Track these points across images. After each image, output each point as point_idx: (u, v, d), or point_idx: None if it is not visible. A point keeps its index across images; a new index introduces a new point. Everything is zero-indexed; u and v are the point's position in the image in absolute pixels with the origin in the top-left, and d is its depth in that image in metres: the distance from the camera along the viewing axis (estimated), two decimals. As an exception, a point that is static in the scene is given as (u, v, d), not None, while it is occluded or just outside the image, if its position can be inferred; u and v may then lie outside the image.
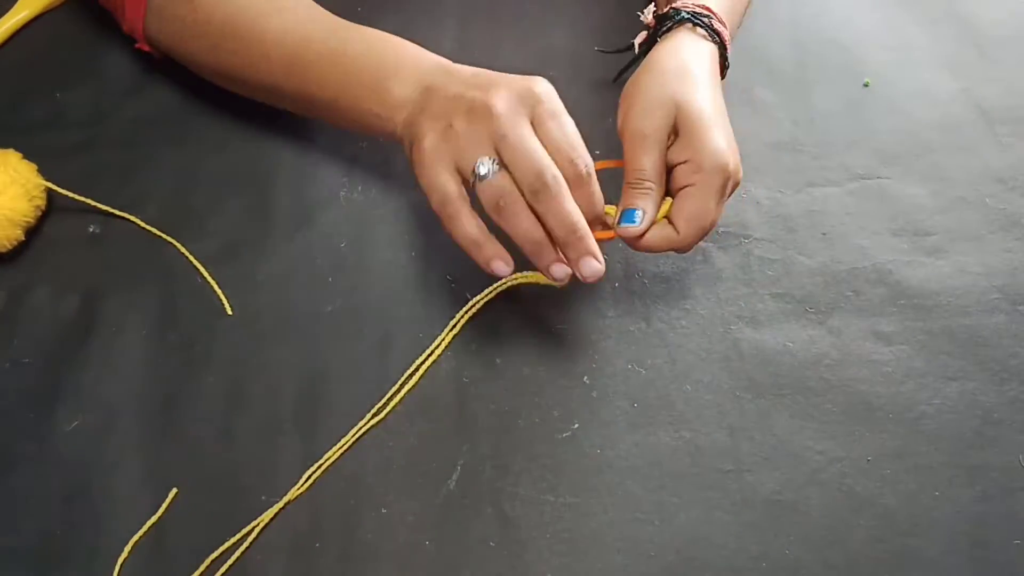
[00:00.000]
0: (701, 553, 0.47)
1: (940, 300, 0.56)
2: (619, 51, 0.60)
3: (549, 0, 0.69)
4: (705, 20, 0.52)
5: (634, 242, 0.49)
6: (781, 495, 0.49)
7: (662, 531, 0.48)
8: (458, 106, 0.47)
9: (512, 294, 0.54)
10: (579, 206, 0.46)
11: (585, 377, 0.52)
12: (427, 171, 0.47)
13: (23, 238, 0.55)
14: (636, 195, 0.48)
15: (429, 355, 0.52)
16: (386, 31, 0.53)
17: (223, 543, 0.46)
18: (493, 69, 0.49)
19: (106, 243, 0.56)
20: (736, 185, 0.50)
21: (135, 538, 0.47)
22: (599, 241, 0.47)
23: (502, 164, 0.46)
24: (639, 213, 0.48)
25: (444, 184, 0.46)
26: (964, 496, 0.49)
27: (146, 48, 0.60)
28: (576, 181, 0.46)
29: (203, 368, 0.52)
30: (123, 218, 0.57)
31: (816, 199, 0.60)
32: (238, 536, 0.47)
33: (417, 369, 0.52)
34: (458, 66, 0.50)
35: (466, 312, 0.53)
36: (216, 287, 0.55)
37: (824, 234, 0.58)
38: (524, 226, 0.46)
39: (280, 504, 0.48)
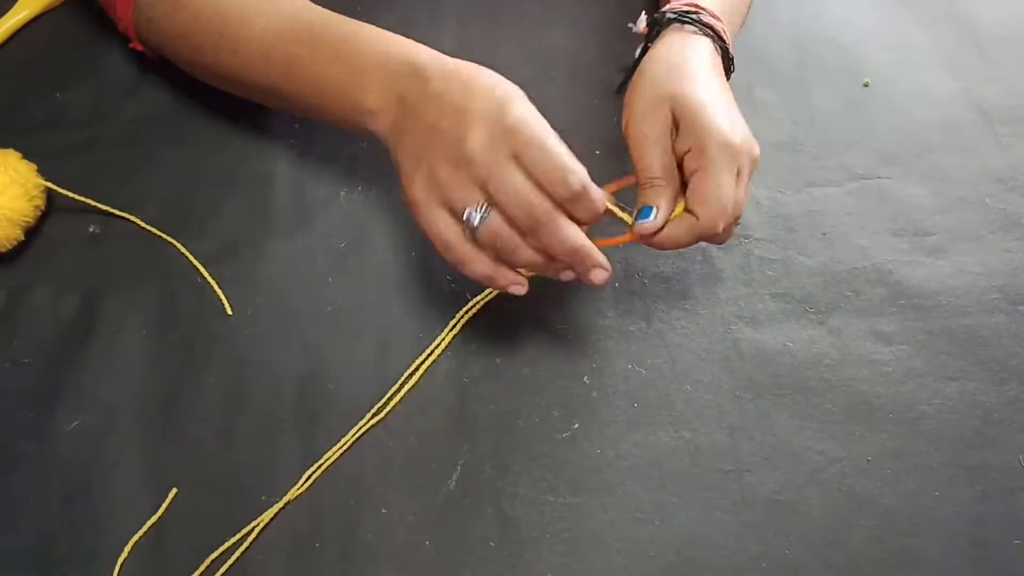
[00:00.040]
0: (701, 553, 0.47)
1: (940, 300, 0.56)
2: (631, 70, 0.59)
3: (549, 0, 0.69)
4: (693, 16, 0.52)
5: (654, 238, 0.48)
6: (781, 495, 0.49)
7: (662, 531, 0.48)
8: (435, 143, 0.46)
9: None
10: (581, 217, 0.46)
11: (585, 377, 0.52)
12: (422, 220, 0.47)
13: (23, 238, 0.55)
14: (648, 193, 0.48)
15: (429, 355, 0.52)
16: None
17: (223, 543, 0.46)
18: (493, 69, 0.48)
19: (106, 243, 0.56)
20: (754, 163, 0.49)
21: (135, 538, 0.47)
22: (612, 247, 0.48)
23: (492, 203, 0.45)
24: (653, 209, 0.48)
25: (443, 232, 0.46)
26: (964, 496, 0.49)
27: (140, 48, 0.60)
28: (572, 199, 0.45)
29: (203, 368, 0.52)
30: (123, 218, 0.57)
31: (816, 199, 0.60)
32: (238, 536, 0.47)
33: (417, 369, 0.52)
34: (426, 63, 0.48)
35: (466, 312, 0.53)
36: (216, 287, 0.55)
37: (824, 234, 0.58)
38: (525, 258, 0.46)
39: (280, 504, 0.48)
